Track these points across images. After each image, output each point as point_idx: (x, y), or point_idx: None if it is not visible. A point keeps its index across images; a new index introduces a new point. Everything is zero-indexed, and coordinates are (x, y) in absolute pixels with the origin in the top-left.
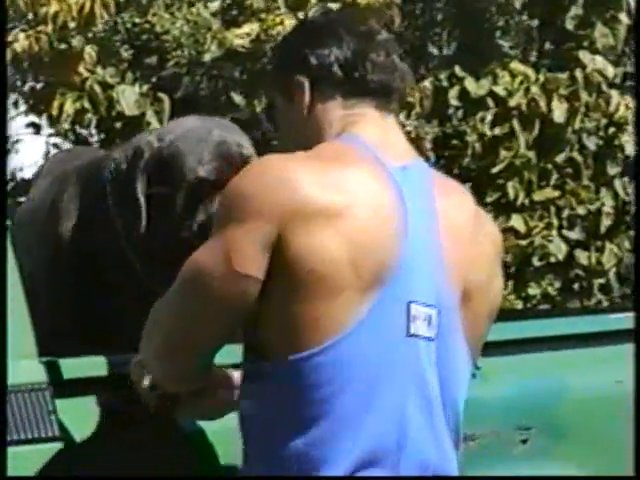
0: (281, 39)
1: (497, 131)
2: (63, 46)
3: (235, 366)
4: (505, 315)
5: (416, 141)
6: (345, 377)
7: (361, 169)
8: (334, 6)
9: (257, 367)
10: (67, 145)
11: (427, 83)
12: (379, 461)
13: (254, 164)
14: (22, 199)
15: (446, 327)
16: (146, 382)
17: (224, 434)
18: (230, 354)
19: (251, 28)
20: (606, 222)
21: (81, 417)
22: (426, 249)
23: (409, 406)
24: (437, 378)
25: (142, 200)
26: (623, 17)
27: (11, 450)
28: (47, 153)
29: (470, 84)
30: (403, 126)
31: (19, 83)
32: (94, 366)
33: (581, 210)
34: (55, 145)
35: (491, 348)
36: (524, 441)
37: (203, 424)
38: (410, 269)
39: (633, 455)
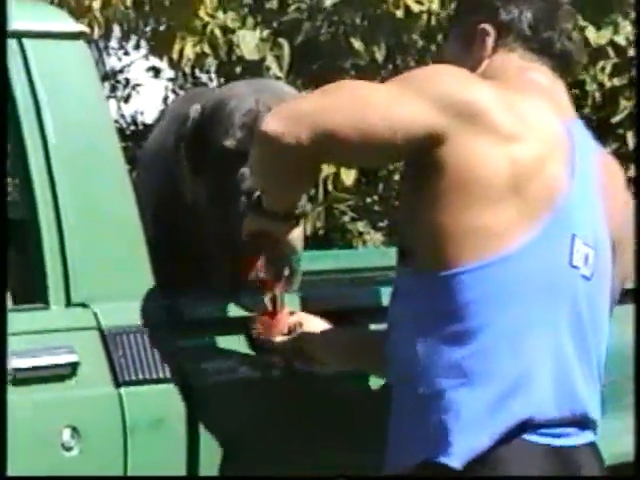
0: None
1: (616, 81)
2: None
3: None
4: None
5: None
6: (508, 295)
7: (544, 102)
8: None
9: (415, 276)
10: (187, 89)
11: None
12: (530, 385)
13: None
14: (142, 143)
15: (599, 270)
16: None
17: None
18: None
19: None
20: None
21: (199, 359)
22: (589, 189)
23: (564, 336)
24: (592, 324)
25: (186, 168)
26: None
27: (129, 389)
28: (166, 98)
29: (591, 33)
30: None
31: (141, 25)
32: (210, 309)
33: None
34: (174, 90)
35: None
36: None
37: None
38: (576, 203)
39: (633, 454)
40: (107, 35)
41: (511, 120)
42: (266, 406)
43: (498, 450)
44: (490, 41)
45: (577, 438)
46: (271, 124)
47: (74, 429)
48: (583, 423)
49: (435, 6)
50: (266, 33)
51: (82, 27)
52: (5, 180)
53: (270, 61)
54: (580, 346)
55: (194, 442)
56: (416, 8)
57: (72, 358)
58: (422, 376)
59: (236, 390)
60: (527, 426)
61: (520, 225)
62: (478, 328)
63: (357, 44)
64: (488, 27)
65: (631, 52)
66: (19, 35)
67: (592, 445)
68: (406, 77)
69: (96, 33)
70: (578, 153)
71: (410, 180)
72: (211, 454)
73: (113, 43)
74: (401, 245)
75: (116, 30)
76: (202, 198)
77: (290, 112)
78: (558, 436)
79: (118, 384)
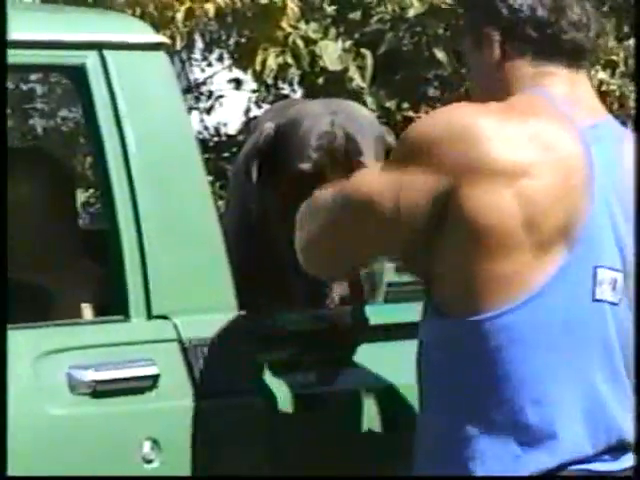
0: None
1: None
2: (265, 1)
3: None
4: None
5: (620, 99)
6: (530, 340)
7: (552, 123)
8: None
9: (440, 324)
10: (269, 101)
11: (631, 42)
12: (558, 434)
13: (445, 109)
14: (225, 154)
15: (628, 287)
16: None
17: None
18: None
19: None
20: None
21: (279, 371)
22: (612, 210)
23: (597, 376)
24: (619, 341)
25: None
26: None
27: (209, 401)
28: (248, 109)
29: None
30: (607, 85)
31: (224, 37)
32: (289, 321)
33: None
34: (256, 102)
35: None
36: None
37: None
38: (597, 230)
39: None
40: (190, 47)
41: (517, 155)
42: (346, 421)
43: None
44: (497, 45)
45: (617, 463)
46: (307, 269)
47: (154, 441)
48: (621, 448)
49: None
50: (348, 44)
51: (162, 38)
52: (5, 176)
53: (353, 72)
54: (613, 376)
55: (272, 454)
56: None
57: (152, 370)
58: (450, 422)
59: (314, 403)
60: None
61: (538, 266)
62: (502, 377)
63: (440, 54)
64: (492, 31)
65: None
66: (100, 46)
67: (633, 469)
68: (402, 153)
69: (179, 45)
70: (600, 166)
71: (434, 232)
72: (289, 467)
73: (196, 55)
74: (429, 294)
75: (199, 42)
76: (273, 214)
77: (314, 254)
78: (594, 462)
79: (198, 396)
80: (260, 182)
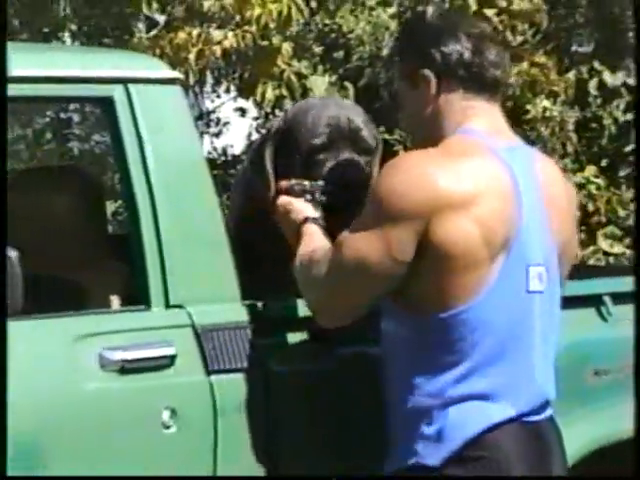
0: (404, 34)
1: (629, 116)
2: (265, 43)
3: None
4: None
5: (561, 123)
6: (483, 329)
7: (484, 159)
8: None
9: (410, 321)
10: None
11: (571, 75)
12: (506, 397)
13: (397, 162)
14: (231, 171)
15: (551, 278)
16: None
17: None
18: None
19: None
20: None
21: (276, 351)
22: (537, 217)
23: (533, 353)
24: (548, 324)
25: (269, 166)
26: None
27: (219, 377)
28: (250, 134)
29: (607, 76)
30: (550, 111)
31: (230, 73)
32: (285, 309)
33: None
34: (257, 128)
35: (621, 298)
36: None
37: None
38: (526, 236)
39: (633, 455)
40: (201, 81)
41: (466, 188)
42: (334, 393)
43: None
44: (432, 85)
45: (542, 415)
46: (323, 323)
47: (172, 410)
48: (545, 405)
49: None
50: (334, 78)
51: (177, 74)
52: (5, 179)
53: None
54: (544, 347)
55: (271, 421)
56: None
57: (170, 351)
58: (412, 398)
59: (308, 379)
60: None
61: (488, 273)
62: (459, 359)
63: None
64: (428, 73)
65: None
66: (125, 81)
67: (551, 419)
68: (377, 212)
69: (192, 80)
70: (522, 184)
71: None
72: (285, 429)
73: (207, 88)
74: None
75: (209, 77)
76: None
77: (326, 309)
78: (528, 415)
79: (209, 373)
80: (274, 169)
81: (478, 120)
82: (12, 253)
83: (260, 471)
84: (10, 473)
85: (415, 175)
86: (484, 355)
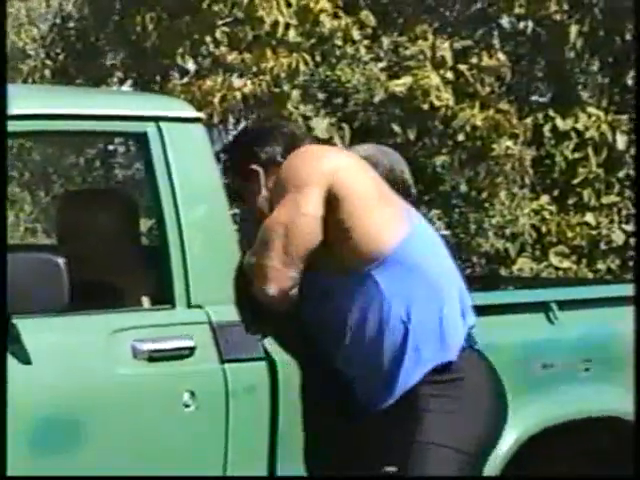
0: (234, 140)
1: (577, 155)
2: (277, 90)
3: None
4: (581, 282)
5: (520, 160)
6: (409, 268)
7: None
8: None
9: (347, 276)
10: None
11: (529, 120)
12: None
13: (301, 151)
14: None
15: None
16: None
17: None
18: None
19: (407, 80)
20: None
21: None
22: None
23: (451, 290)
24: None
25: None
26: None
27: (231, 365)
28: None
29: (559, 122)
30: (511, 149)
31: (248, 114)
32: None
33: (634, 210)
34: None
35: (569, 304)
36: (587, 369)
37: None
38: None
39: (633, 455)
40: (225, 121)
41: (354, 157)
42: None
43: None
44: (262, 175)
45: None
46: (271, 293)
47: (192, 393)
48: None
49: (451, 102)
50: (334, 120)
51: (200, 114)
52: (5, 179)
53: (336, 139)
54: (457, 289)
55: (277, 403)
56: (437, 103)
57: (190, 343)
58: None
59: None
60: None
61: (398, 224)
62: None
63: (396, 128)
64: (256, 167)
65: (587, 135)
66: (157, 119)
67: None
68: (292, 185)
69: (216, 119)
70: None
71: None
72: (289, 411)
73: (229, 126)
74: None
75: (230, 117)
76: None
77: (269, 277)
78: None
79: (223, 362)
80: None
81: None
82: (60, 260)
83: (264, 444)
84: (54, 443)
85: (315, 155)
86: (407, 298)
